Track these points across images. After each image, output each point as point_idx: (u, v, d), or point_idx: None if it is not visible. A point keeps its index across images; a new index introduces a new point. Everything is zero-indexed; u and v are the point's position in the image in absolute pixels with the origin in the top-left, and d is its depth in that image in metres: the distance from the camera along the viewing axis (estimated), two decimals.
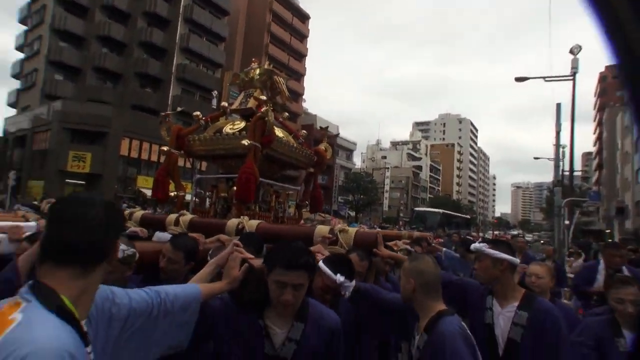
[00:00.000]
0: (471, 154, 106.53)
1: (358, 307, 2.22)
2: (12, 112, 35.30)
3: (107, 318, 1.18)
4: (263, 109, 3.52)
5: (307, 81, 49.51)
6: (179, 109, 4.64)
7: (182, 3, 32.29)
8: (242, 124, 3.92)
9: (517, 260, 2.24)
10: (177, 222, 3.14)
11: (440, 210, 37.07)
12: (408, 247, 3.96)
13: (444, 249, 5.29)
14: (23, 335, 0.87)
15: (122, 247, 1.83)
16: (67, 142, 27.07)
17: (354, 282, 2.06)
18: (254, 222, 2.91)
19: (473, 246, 2.37)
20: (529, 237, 38.01)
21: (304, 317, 1.71)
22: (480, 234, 19.02)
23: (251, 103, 3.83)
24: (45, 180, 26.65)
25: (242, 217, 3.03)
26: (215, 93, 28.89)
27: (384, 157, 75.57)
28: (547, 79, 14.89)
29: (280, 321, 1.68)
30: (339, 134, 51.58)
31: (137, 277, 2.25)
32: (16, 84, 35.47)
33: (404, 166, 73.73)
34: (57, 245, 1.02)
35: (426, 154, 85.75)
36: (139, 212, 3.60)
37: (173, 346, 1.43)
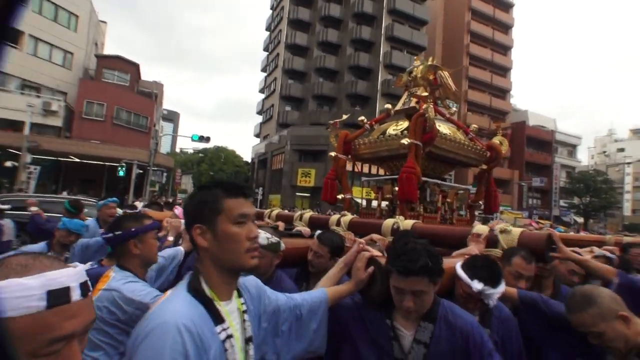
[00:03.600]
0: None
1: (521, 319, 1.96)
2: (257, 141, 44.96)
3: (261, 307, 1.34)
4: (424, 106, 3.39)
5: (515, 75, 44.67)
6: (344, 116, 4.59)
7: (383, 24, 34.53)
8: (406, 124, 3.80)
9: None
10: (338, 223, 3.18)
11: None
12: (608, 253, 3.20)
13: None
14: (158, 310, 1.06)
15: (266, 235, 1.93)
16: (296, 161, 32.29)
17: (500, 289, 1.75)
18: (409, 222, 2.78)
19: None
20: None
21: (433, 317, 1.56)
22: None
23: (414, 102, 3.69)
24: (281, 194, 32.47)
25: (397, 216, 2.92)
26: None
27: (621, 150, 61.04)
28: None
29: (408, 322, 1.56)
30: (554, 129, 44.79)
31: (291, 271, 2.47)
32: (259, 119, 45.10)
33: None
34: None
35: None
36: (308, 214, 3.69)
37: (311, 350, 1.49)
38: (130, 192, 22.54)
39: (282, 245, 2.06)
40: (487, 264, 1.83)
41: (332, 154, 4.03)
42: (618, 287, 2.05)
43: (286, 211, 4.21)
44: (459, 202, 4.37)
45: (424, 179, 3.63)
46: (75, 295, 0.70)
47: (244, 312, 1.24)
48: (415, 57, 4.44)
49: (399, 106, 4.08)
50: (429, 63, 3.98)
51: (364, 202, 4.49)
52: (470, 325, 1.57)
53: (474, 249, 2.23)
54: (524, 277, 2.09)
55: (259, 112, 45.03)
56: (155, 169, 25.87)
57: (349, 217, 3.24)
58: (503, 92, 42.19)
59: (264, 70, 44.75)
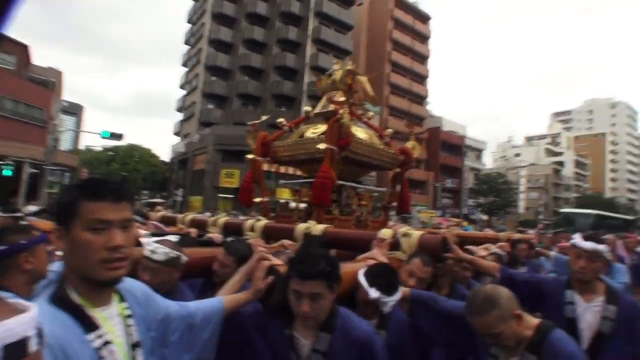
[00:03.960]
0: (629, 143, 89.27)
1: (416, 318, 2.05)
2: (177, 139, 42.28)
3: (148, 314, 1.27)
4: (340, 111, 3.42)
5: (431, 83, 47.93)
6: (263, 117, 4.57)
7: (310, 26, 34.60)
8: (324, 127, 3.81)
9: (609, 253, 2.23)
10: (252, 228, 3.17)
11: (594, 211, 32.13)
12: (499, 250, 3.66)
13: (553, 253, 4.81)
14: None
15: (164, 250, 1.88)
16: (219, 161, 31.06)
17: (396, 297, 1.85)
18: (321, 227, 2.82)
19: (588, 245, 2.19)
20: None
21: (331, 327, 1.59)
22: None
23: (332, 106, 3.70)
24: (203, 196, 30.98)
25: (309, 222, 2.97)
26: None
27: (518, 155, 68.76)
28: None
29: (307, 332, 1.58)
30: (464, 135, 48.85)
31: (197, 282, 2.43)
32: (180, 116, 42.44)
33: (541, 163, 65.96)
34: None
35: (569, 148, 75.22)
36: (222, 219, 3.68)
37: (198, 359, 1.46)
38: (20, 195, 19.52)
39: (184, 258, 1.99)
40: (386, 273, 1.92)
41: (250, 156, 3.93)
42: (500, 281, 2.27)
43: (204, 215, 4.15)
44: (375, 205, 4.55)
45: (341, 182, 3.67)
46: (33, 345, 0.61)
47: (128, 316, 1.17)
48: (335, 61, 4.33)
49: (318, 109, 4.08)
50: (348, 67, 4.01)
51: (293, 204, 4.42)
52: (367, 335, 1.63)
53: (377, 253, 2.30)
54: (416, 277, 2.23)
55: (179, 110, 42.35)
56: (55, 168, 22.79)
57: (262, 222, 3.23)
58: (421, 99, 44.93)
59: (184, 65, 42.05)
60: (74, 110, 55.69)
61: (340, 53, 36.14)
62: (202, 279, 2.46)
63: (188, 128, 38.94)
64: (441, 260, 2.41)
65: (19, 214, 4.83)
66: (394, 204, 4.42)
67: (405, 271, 2.27)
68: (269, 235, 3.04)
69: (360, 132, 3.89)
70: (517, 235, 5.30)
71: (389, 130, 4.68)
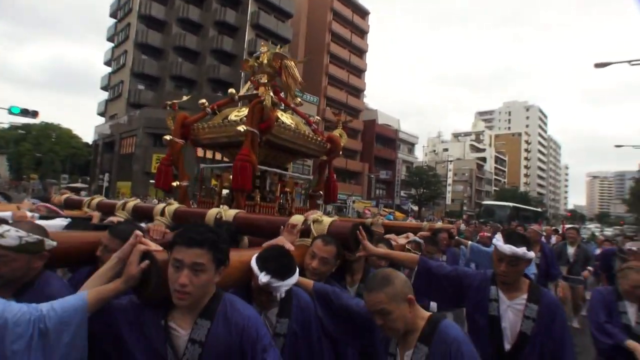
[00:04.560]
0: (540, 143, 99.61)
1: (318, 312, 1.97)
2: (101, 120, 39.20)
3: None
4: (261, 93, 3.32)
5: (368, 77, 49.16)
6: (184, 97, 4.39)
7: (249, 10, 33.73)
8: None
9: (532, 254, 2.12)
10: (163, 212, 3.03)
11: (511, 204, 35.76)
12: (417, 238, 3.87)
13: (470, 242, 4.88)
14: None
15: (18, 233, 1.55)
16: (150, 146, 29.44)
17: (289, 282, 1.76)
18: (232, 212, 2.72)
19: (507, 250, 2.09)
20: (608, 231, 35.18)
21: (211, 313, 1.45)
22: (552, 228, 17.82)
23: (260, 89, 3.52)
24: (132, 182, 29.26)
25: (221, 206, 2.88)
26: None
27: (446, 150, 73.28)
28: (633, 62, 12.92)
29: (185, 320, 1.44)
30: (398, 129, 50.99)
31: (85, 271, 2.08)
32: (105, 95, 39.29)
33: (466, 158, 71.03)
34: None
35: (490, 145, 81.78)
36: (132, 203, 3.44)
37: None
38: None
39: (49, 244, 1.65)
40: (278, 256, 1.81)
41: (167, 137, 3.72)
42: (417, 273, 2.26)
43: (119, 200, 3.71)
44: (302, 192, 4.54)
45: (264, 168, 3.61)
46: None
47: None
48: (262, 43, 4.22)
49: (242, 92, 3.95)
50: (276, 50, 3.90)
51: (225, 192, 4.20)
52: (247, 319, 1.49)
53: (282, 239, 2.21)
54: (317, 257, 2.16)
55: (104, 88, 39.13)
56: None
57: (174, 206, 3.08)
58: (358, 92, 46.00)
59: (110, 39, 38.83)
60: None
61: (279, 40, 35.72)
62: (88, 269, 2.04)
63: (115, 109, 36.23)
64: (351, 249, 2.30)
65: None
66: (321, 192, 4.35)
67: (308, 254, 2.21)
68: (179, 220, 2.92)
69: (286, 118, 3.83)
70: (439, 224, 5.55)
71: (317, 118, 4.67)
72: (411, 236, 3.89)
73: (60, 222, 2.68)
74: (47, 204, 3.73)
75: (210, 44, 33.17)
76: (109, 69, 38.54)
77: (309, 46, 39.67)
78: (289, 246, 2.08)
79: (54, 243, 1.67)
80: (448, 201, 57.14)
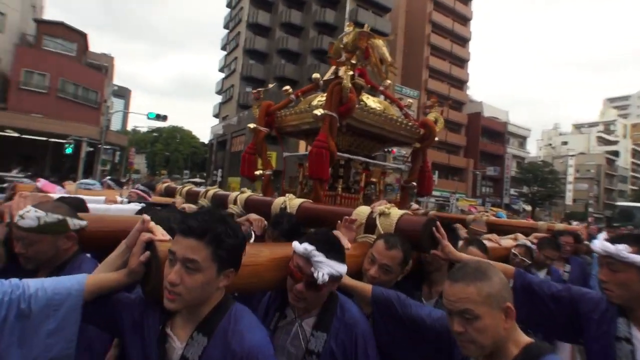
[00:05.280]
0: None
1: (377, 323, 1.61)
2: (216, 121, 43.66)
3: None
4: (342, 74, 3.03)
5: (472, 67, 45.98)
6: (270, 85, 4.29)
7: (347, 9, 34.28)
8: None
9: None
10: (235, 201, 2.99)
11: None
12: (528, 242, 3.12)
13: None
14: None
15: (37, 213, 1.46)
16: None
17: (335, 265, 1.43)
18: (297, 201, 2.53)
19: (598, 245, 1.57)
20: None
21: (210, 328, 1.20)
22: None
23: (342, 71, 3.29)
24: (241, 177, 31.94)
25: (287, 194, 2.70)
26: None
27: (565, 143, 65.16)
28: None
29: (184, 330, 1.23)
30: (507, 121, 46.85)
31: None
32: (219, 99, 43.74)
33: (592, 152, 62.10)
34: None
35: (625, 136, 70.21)
36: (212, 191, 3.52)
37: (54, 358, 1.15)
38: (79, 171, 21.16)
39: (77, 223, 1.56)
40: (325, 233, 1.55)
41: (251, 125, 3.67)
42: (513, 289, 1.64)
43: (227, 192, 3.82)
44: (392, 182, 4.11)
45: (348, 156, 3.33)
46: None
47: None
48: (347, 24, 3.90)
49: (326, 76, 3.71)
50: (360, 30, 3.60)
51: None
52: (248, 349, 1.16)
53: (339, 234, 1.81)
54: (377, 262, 1.76)
55: (219, 92, 43.61)
56: (108, 147, 24.47)
57: (245, 194, 3.06)
58: (461, 83, 43.44)
59: (223, 48, 43.17)
60: (122, 94, 59.03)
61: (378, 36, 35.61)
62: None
63: (227, 110, 40.08)
64: (423, 249, 1.91)
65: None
66: (414, 184, 3.93)
67: (367, 257, 1.83)
68: (250, 209, 2.86)
69: (372, 101, 3.55)
70: (561, 226, 4.52)
71: (409, 101, 4.28)
72: (520, 238, 3.29)
73: (133, 206, 2.75)
74: (146, 192, 3.89)
75: (310, 44, 34.58)
76: (222, 75, 42.81)
77: (408, 39, 38.69)
78: (346, 243, 1.74)
79: (83, 223, 1.59)
80: (568, 201, 50.71)
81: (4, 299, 1.07)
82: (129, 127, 57.94)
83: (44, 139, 21.66)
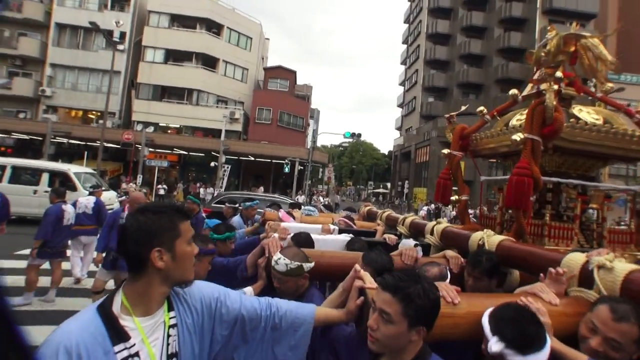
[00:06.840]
0: None
1: None
2: (397, 134, 45.64)
3: (216, 316, 1.31)
4: (543, 90, 2.66)
5: None
6: (463, 107, 3.86)
7: None
8: None
9: None
10: (432, 232, 2.91)
11: None
12: None
13: None
14: (57, 328, 1.04)
15: (286, 261, 1.90)
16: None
17: (534, 358, 1.25)
18: (497, 238, 2.28)
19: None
20: None
21: None
22: None
23: (544, 85, 2.87)
24: (427, 187, 32.36)
25: (485, 230, 2.46)
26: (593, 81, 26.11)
27: None
28: None
29: None
30: None
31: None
32: (399, 111, 45.80)
33: None
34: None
35: None
36: (410, 218, 3.48)
37: None
38: (294, 187, 25.73)
39: (307, 266, 1.97)
40: (519, 319, 1.31)
41: (445, 151, 3.52)
42: None
43: (403, 215, 3.95)
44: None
45: (557, 179, 2.90)
46: None
47: (171, 326, 1.18)
48: (548, 28, 3.31)
49: (526, 91, 3.24)
50: (567, 33, 3.06)
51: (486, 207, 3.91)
52: None
53: (543, 287, 1.62)
54: (601, 334, 1.39)
55: (400, 105, 45.60)
56: (314, 164, 28.81)
57: (442, 225, 2.95)
58: None
59: (403, 62, 45.13)
60: (313, 115, 67.48)
61: (581, 19, 31.08)
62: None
63: (409, 122, 41.46)
64: None
65: (236, 205, 5.93)
66: None
67: (586, 322, 1.47)
68: (447, 240, 2.80)
69: (586, 113, 2.99)
70: None
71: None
72: None
73: (344, 237, 3.04)
74: (351, 219, 4.24)
75: (496, 44, 32.89)
76: (402, 89, 44.70)
77: (624, 18, 32.50)
78: (553, 299, 1.55)
79: (311, 264, 1.99)
80: None
81: (269, 315, 1.42)
82: (319, 143, 65.72)
83: (269, 160, 27.14)
